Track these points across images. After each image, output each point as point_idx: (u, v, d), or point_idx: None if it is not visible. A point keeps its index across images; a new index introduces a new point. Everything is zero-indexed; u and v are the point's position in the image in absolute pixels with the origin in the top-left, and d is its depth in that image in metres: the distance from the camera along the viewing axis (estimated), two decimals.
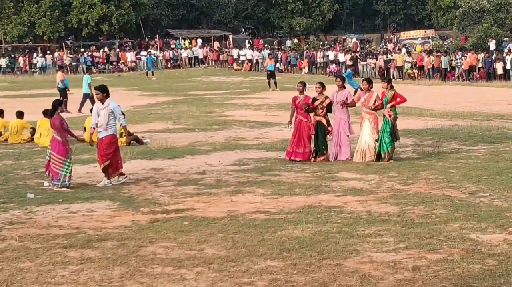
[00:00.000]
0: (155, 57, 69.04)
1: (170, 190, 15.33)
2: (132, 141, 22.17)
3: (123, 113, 17.34)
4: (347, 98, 18.78)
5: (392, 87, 18.61)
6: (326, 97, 19.00)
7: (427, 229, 11.31)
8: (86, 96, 33.47)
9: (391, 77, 52.52)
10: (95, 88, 16.80)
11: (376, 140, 18.31)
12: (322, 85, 19.22)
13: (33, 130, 23.71)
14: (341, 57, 59.05)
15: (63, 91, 34.25)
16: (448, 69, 51.15)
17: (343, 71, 55.56)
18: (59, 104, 16.54)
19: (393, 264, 9.54)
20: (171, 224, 12.16)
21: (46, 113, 23.20)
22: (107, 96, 16.43)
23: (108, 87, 16.77)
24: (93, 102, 33.57)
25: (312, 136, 18.94)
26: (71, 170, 15.95)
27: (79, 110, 32.77)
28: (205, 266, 9.64)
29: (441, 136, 22.56)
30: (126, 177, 16.42)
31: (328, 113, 19.11)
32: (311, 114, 19.08)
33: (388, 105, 18.23)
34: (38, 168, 18.37)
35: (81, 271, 9.53)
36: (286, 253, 10.14)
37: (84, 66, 67.41)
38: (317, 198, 14.18)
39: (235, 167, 18.17)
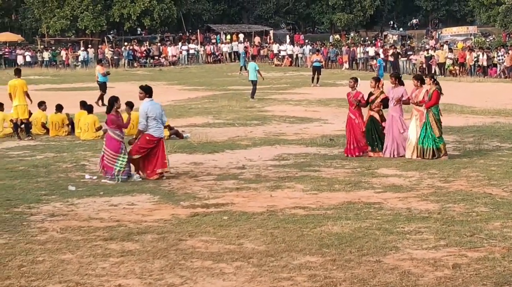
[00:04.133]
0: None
1: (210, 184, 15.37)
2: (172, 135, 22.28)
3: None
4: (402, 96, 18.55)
5: (436, 83, 18.34)
6: (382, 92, 18.83)
7: (468, 227, 11.23)
8: (254, 83, 36.04)
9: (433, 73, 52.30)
10: (140, 87, 16.50)
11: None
12: (377, 80, 19.16)
13: (71, 125, 23.88)
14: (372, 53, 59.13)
15: (103, 85, 34.47)
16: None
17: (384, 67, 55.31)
18: (115, 101, 16.47)
19: (433, 261, 9.49)
20: (211, 218, 12.19)
21: (84, 105, 23.51)
22: (149, 97, 16.24)
23: (152, 89, 16.57)
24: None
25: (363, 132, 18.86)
26: (126, 164, 16.02)
27: (252, 97, 35.60)
28: (244, 260, 9.66)
29: (483, 134, 22.37)
30: (140, 178, 16.25)
31: (383, 109, 18.99)
32: (364, 110, 19.01)
33: (422, 105, 18.11)
34: (80, 160, 18.54)
35: (122, 264, 9.61)
36: (325, 249, 10.12)
37: (126, 61, 67.92)
38: (357, 194, 14.14)
39: (274, 162, 18.18)
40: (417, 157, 18.04)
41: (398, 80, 18.79)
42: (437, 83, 18.36)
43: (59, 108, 24.49)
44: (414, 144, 18.18)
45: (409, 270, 9.14)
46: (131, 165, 16.30)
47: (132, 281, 8.90)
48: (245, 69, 56.91)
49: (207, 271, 9.25)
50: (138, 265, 9.52)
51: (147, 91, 16.31)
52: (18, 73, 23.56)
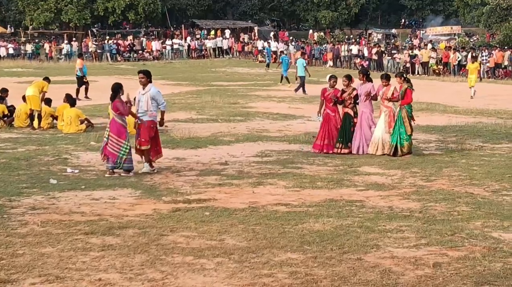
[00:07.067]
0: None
1: (192, 180, 15.35)
2: None
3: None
4: (370, 91, 18.76)
5: (407, 81, 18.66)
6: (354, 89, 19.08)
7: (449, 226, 11.26)
8: (302, 79, 36.92)
9: (416, 73, 52.51)
10: (139, 71, 16.66)
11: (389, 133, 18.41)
12: (349, 78, 19.28)
13: (53, 117, 23.78)
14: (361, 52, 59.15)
15: (81, 79, 34.55)
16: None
17: (368, 65, 55.37)
18: (120, 88, 16.33)
19: (414, 260, 9.51)
20: (192, 213, 12.17)
21: (68, 98, 23.39)
22: (150, 81, 16.41)
23: (151, 73, 16.74)
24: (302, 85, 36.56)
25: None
26: (129, 152, 15.97)
27: (296, 91, 36.65)
28: (225, 256, 9.65)
29: (465, 134, 22.44)
30: (153, 170, 16.37)
31: (356, 105, 19.13)
32: (340, 107, 19.13)
33: (399, 102, 18.39)
34: (62, 154, 18.45)
35: (102, 258, 9.57)
36: (306, 246, 10.12)
37: (109, 54, 67.75)
38: (339, 191, 14.16)
39: (257, 158, 18.17)
40: (383, 153, 18.37)
41: (366, 77, 19.11)
42: (408, 81, 18.71)
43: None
44: (378, 139, 18.42)
45: (390, 268, 9.16)
46: (142, 156, 16.39)
47: (112, 276, 8.86)
48: (286, 79, 56.92)
49: (188, 266, 9.23)
50: (118, 260, 9.49)
51: (148, 76, 16.43)
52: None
